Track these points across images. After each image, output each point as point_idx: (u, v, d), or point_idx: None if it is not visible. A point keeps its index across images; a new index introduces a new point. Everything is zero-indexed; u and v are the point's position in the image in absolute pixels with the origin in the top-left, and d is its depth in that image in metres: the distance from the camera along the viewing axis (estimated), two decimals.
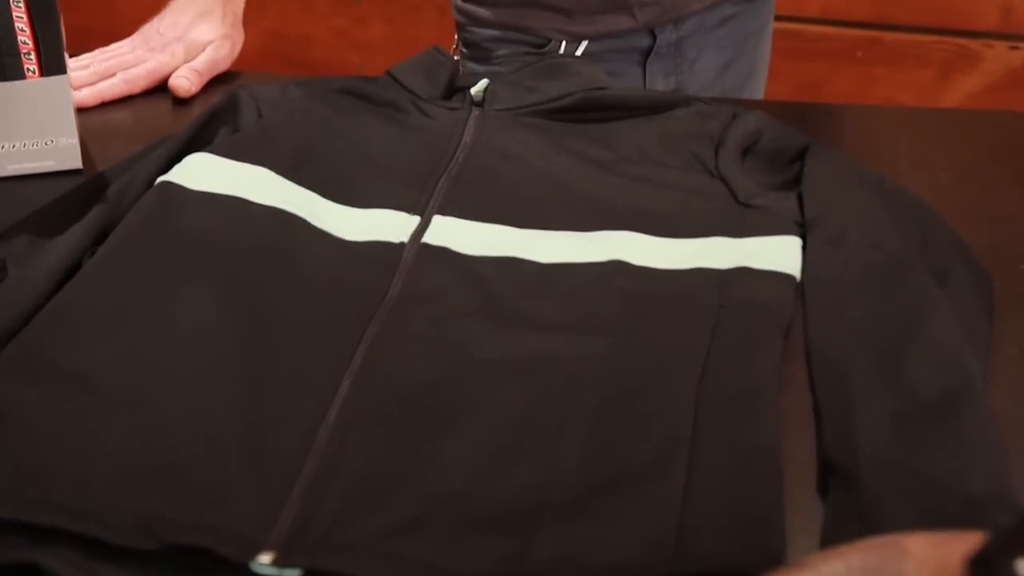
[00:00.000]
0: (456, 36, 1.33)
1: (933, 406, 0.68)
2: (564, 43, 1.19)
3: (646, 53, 1.26)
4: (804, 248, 0.84)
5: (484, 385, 0.71)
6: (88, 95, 1.10)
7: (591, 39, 1.23)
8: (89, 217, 0.84)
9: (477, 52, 1.30)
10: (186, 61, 1.16)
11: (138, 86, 1.13)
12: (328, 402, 0.69)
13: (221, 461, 0.65)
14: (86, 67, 1.13)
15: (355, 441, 0.66)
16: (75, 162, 0.97)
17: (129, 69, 1.14)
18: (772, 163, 0.93)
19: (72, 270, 0.80)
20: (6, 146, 0.95)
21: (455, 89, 1.02)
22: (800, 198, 0.88)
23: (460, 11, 1.30)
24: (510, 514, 0.62)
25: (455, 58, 1.05)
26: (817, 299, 0.79)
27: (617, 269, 0.81)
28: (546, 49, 1.21)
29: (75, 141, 0.96)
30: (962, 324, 0.75)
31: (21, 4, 0.90)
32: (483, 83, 1.00)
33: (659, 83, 1.28)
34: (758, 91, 1.38)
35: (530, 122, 0.97)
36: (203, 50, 1.17)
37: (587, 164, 0.92)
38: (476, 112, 0.98)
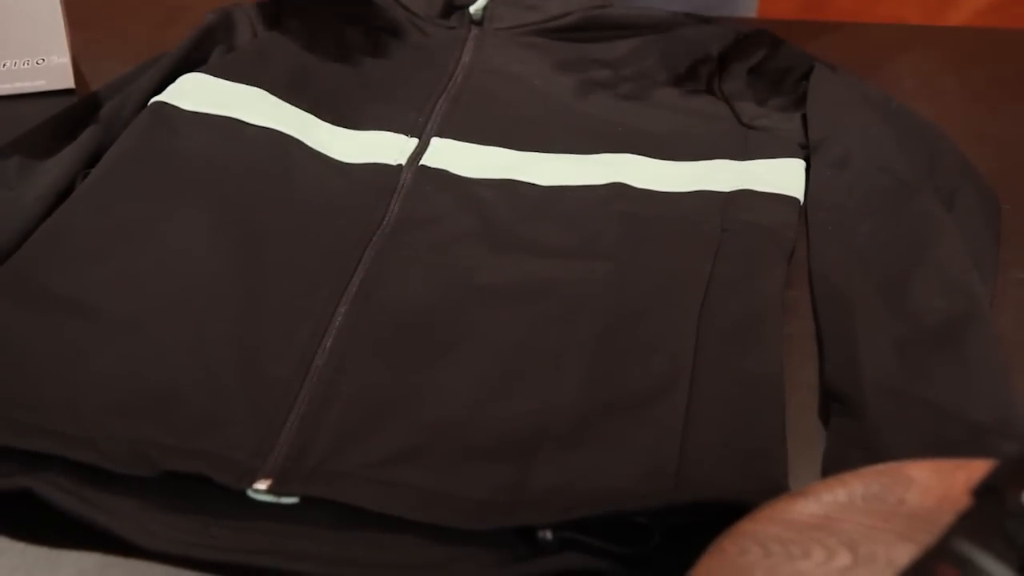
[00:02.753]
0: None
1: (938, 332, 0.68)
2: None
3: None
4: (808, 170, 0.83)
5: (482, 311, 0.70)
6: None
7: None
8: (82, 138, 0.83)
9: None
10: None
11: None
12: (324, 328, 0.68)
13: (216, 387, 0.64)
14: None
15: (351, 368, 0.66)
16: (67, 81, 0.95)
17: None
18: (776, 84, 0.91)
19: (64, 193, 0.79)
20: None
21: (454, 7, 1.00)
22: (804, 119, 0.87)
23: None
24: (508, 442, 0.61)
25: None
26: (821, 222, 0.78)
27: (618, 192, 0.79)
28: None
29: (67, 60, 0.94)
30: (969, 248, 0.74)
31: None
32: (482, 1, 0.98)
33: None
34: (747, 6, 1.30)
35: (530, 41, 0.95)
36: None
37: (588, 85, 0.91)
38: (475, 31, 0.96)
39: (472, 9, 0.98)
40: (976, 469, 0.53)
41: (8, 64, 0.93)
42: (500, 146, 0.84)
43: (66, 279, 0.70)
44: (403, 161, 0.82)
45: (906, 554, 0.49)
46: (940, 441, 0.61)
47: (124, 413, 0.62)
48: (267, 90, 0.86)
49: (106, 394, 0.63)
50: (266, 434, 0.61)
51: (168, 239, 0.74)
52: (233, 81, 0.86)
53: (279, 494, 0.58)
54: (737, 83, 0.90)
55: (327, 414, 0.63)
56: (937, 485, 0.53)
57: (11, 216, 0.76)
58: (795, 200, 0.80)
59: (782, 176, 0.81)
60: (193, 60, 0.92)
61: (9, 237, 0.74)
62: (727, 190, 0.79)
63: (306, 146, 0.83)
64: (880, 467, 0.55)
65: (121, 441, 0.60)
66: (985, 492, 0.45)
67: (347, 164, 0.82)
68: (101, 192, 0.77)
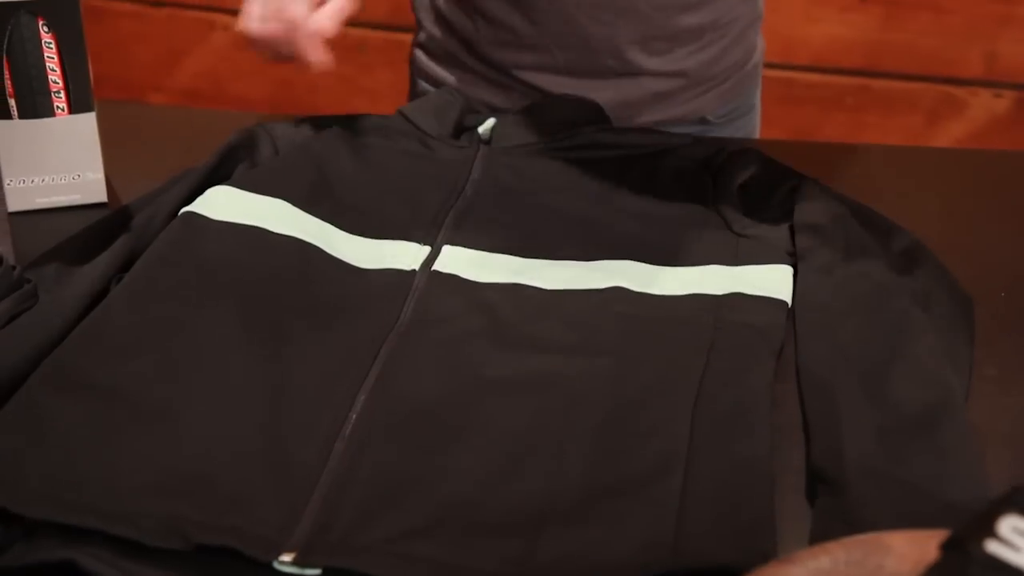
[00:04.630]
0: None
1: (915, 419, 0.73)
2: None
3: None
4: (795, 276, 0.89)
5: (491, 401, 0.75)
6: (329, 23, 1.01)
7: None
8: (115, 246, 0.89)
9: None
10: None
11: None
12: (344, 416, 0.73)
13: (244, 469, 0.69)
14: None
15: (370, 451, 0.71)
16: (100, 196, 1.02)
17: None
18: (766, 197, 0.97)
19: (100, 295, 0.84)
20: (35, 180, 0.99)
21: (464, 128, 1.07)
22: (791, 229, 0.93)
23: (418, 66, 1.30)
24: (516, 518, 0.66)
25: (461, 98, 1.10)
26: (807, 323, 0.84)
27: (617, 295, 0.85)
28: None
29: (101, 176, 1.01)
30: (944, 345, 0.80)
31: (52, 45, 0.95)
32: (490, 122, 1.05)
33: None
34: None
35: (534, 158, 1.02)
36: None
37: (589, 197, 0.97)
38: (483, 150, 1.02)
39: (480, 130, 1.05)
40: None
41: (47, 179, 1.00)
42: (507, 253, 0.90)
43: (104, 370, 0.75)
44: (416, 267, 0.88)
45: None
46: (917, 517, 0.65)
47: (159, 492, 0.67)
48: (289, 201, 0.92)
49: (142, 475, 0.68)
50: (291, 511, 0.66)
51: (198, 335, 0.79)
52: (257, 193, 0.93)
53: (303, 566, 0.63)
54: (729, 196, 0.96)
55: (348, 493, 0.67)
56: (913, 552, 0.58)
57: (51, 316, 0.81)
58: (783, 303, 0.85)
59: (771, 281, 0.87)
60: (218, 175, 0.98)
61: (49, 335, 0.79)
62: (720, 293, 0.85)
63: (326, 253, 0.88)
64: (861, 537, 0.59)
65: (156, 518, 0.65)
66: (952, 546, 0.50)
67: (364, 269, 0.87)
68: (135, 293, 0.83)
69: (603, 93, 1.12)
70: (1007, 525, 0.48)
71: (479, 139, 1.04)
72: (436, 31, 1.22)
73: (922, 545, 0.58)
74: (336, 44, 1.03)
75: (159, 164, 1.09)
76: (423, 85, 1.27)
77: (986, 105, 2.06)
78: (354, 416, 0.73)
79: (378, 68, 2.23)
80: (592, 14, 1.12)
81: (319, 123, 1.07)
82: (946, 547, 0.50)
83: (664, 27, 1.14)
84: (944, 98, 2.06)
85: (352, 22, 1.03)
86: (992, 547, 0.48)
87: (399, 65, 2.26)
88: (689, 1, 1.13)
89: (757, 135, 1.32)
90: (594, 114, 1.07)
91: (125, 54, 2.11)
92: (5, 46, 0.94)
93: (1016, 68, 2.02)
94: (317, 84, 2.18)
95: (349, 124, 1.06)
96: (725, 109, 1.22)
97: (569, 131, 1.03)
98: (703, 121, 1.22)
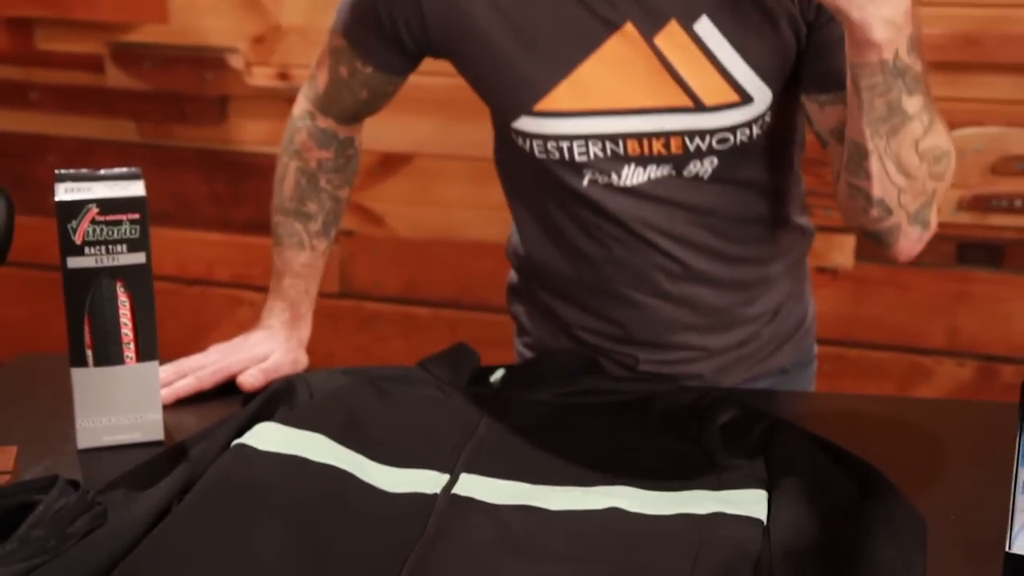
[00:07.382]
0: None
1: None
2: None
3: None
4: (769, 500, 1.01)
5: None
6: (166, 394, 1.24)
7: None
8: (175, 473, 1.01)
9: None
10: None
11: (207, 383, 1.28)
12: None
13: None
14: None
15: None
16: (158, 434, 1.15)
17: (201, 369, 1.31)
18: (744, 434, 1.10)
19: (162, 515, 0.96)
20: (104, 421, 1.13)
21: (477, 377, 1.21)
22: (766, 460, 1.06)
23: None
24: None
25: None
26: (780, 539, 0.95)
27: (614, 514, 0.98)
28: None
29: (159, 417, 1.14)
30: (901, 555, 0.92)
31: (127, 303, 1.10)
32: (500, 372, 1.20)
33: None
34: None
35: (540, 403, 1.16)
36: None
37: (588, 435, 1.11)
38: (495, 395, 1.16)
39: (492, 379, 1.19)
40: None
41: (114, 420, 1.13)
42: (517, 480, 1.03)
43: (169, 573, 0.87)
44: (438, 491, 1.00)
45: None
46: None
47: None
48: (325, 435, 1.06)
49: None
50: None
51: (249, 543, 0.91)
52: (298, 428, 1.07)
53: None
54: (711, 434, 1.10)
55: None
56: None
57: (120, 531, 0.93)
58: (759, 521, 0.97)
59: (749, 503, 0.99)
60: (261, 416, 1.11)
61: (120, 546, 0.91)
62: (704, 513, 0.97)
63: (358, 479, 1.01)
64: None
65: None
66: None
67: (392, 493, 1.00)
68: (194, 510, 0.95)
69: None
70: None
71: (491, 386, 1.19)
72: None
73: None
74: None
75: (208, 409, 1.23)
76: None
77: (950, 373, 2.22)
78: None
79: (392, 339, 2.39)
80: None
81: (349, 373, 1.21)
82: None
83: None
84: (912, 366, 2.22)
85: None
86: None
87: (411, 336, 2.43)
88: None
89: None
90: (591, 365, 1.22)
91: (160, 327, 2.28)
92: (88, 305, 1.09)
93: (975, 340, 2.19)
94: (334, 353, 2.34)
95: (375, 373, 1.20)
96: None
97: (570, 380, 1.18)
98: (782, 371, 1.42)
